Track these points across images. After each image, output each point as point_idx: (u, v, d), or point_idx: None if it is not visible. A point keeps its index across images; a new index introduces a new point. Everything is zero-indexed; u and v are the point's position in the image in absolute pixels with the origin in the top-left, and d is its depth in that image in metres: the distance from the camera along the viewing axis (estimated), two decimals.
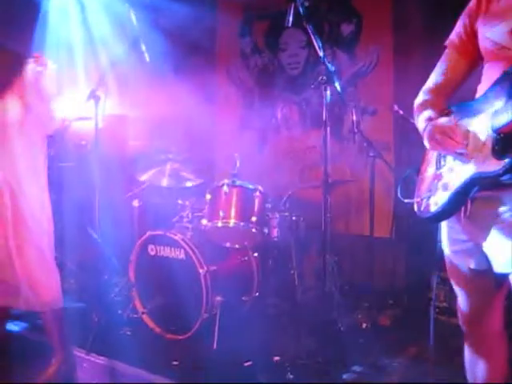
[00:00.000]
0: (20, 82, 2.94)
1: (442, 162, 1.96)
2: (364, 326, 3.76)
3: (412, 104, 2.17)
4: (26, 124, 2.93)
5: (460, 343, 2.21)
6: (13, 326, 3.64)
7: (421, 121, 2.03)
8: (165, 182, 3.87)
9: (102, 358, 3.30)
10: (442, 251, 2.10)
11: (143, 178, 3.92)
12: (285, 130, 4.66)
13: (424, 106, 2.09)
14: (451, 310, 3.55)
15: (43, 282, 2.99)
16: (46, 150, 3.12)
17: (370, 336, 3.61)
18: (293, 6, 3.20)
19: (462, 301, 2.12)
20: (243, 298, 3.70)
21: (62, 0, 4.55)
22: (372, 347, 3.41)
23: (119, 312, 3.83)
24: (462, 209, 1.88)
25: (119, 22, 4.21)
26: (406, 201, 2.11)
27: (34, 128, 2.97)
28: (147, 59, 3.56)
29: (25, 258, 2.93)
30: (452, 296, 3.44)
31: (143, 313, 3.68)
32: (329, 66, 3.18)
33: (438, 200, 1.93)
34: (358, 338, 3.55)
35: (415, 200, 2.06)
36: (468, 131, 1.82)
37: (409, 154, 4.27)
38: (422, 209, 2.01)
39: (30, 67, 2.97)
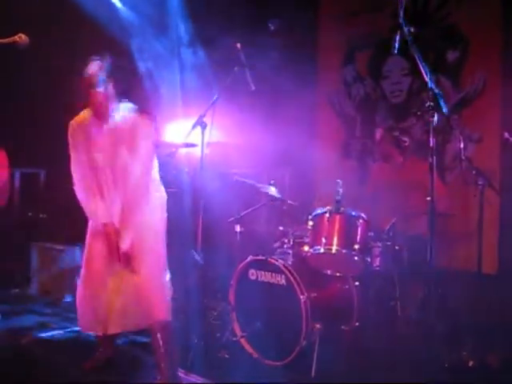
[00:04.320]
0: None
1: None
2: (470, 363, 3.55)
3: None
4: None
5: None
6: (120, 342, 3.82)
7: None
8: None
9: (200, 378, 3.35)
10: None
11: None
12: (386, 160, 4.58)
13: None
14: None
15: (154, 297, 3.16)
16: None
17: (478, 376, 3.41)
18: (399, 33, 3.19)
19: None
20: (343, 327, 3.63)
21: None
22: None
23: (218, 335, 3.88)
24: None
25: (224, 54, 4.38)
26: None
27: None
28: (252, 88, 3.67)
29: (139, 277, 3.12)
30: None
31: (242, 336, 3.70)
32: (436, 91, 3.12)
33: None
34: (465, 376, 3.36)
35: None
36: None
37: None
38: None
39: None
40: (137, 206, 3.13)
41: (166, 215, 3.36)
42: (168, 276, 3.31)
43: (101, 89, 3.10)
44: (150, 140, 3.21)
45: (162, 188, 3.39)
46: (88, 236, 3.33)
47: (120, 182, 3.16)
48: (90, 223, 3.31)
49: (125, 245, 3.10)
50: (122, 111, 3.21)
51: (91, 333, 3.46)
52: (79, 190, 3.26)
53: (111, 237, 3.13)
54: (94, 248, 3.27)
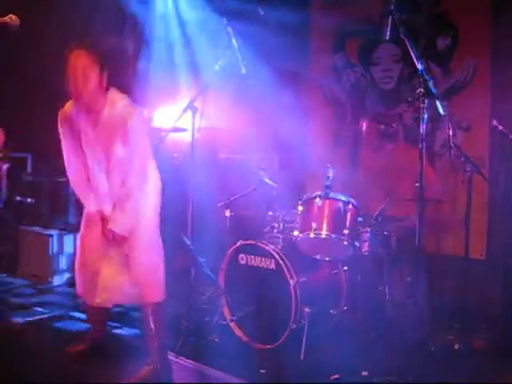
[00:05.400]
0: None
1: None
2: (456, 347, 3.61)
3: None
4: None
5: None
6: (114, 329, 3.85)
7: None
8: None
9: (190, 361, 3.39)
10: None
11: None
12: (376, 150, 4.58)
13: None
14: None
15: (148, 278, 3.15)
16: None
17: (463, 358, 3.47)
18: (390, 19, 3.20)
19: None
20: (331, 311, 3.67)
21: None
22: (465, 370, 3.28)
23: (207, 319, 3.90)
24: None
25: (216, 37, 4.36)
26: None
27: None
28: (243, 71, 3.67)
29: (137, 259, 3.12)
30: None
31: (231, 320, 3.73)
32: (426, 77, 3.13)
33: None
34: (451, 360, 3.42)
35: None
36: None
37: (507, 170, 4.12)
38: None
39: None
40: (133, 195, 3.02)
41: (160, 202, 3.27)
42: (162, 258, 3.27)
43: (90, 83, 2.94)
44: (145, 131, 3.10)
45: (158, 175, 3.27)
46: (82, 222, 3.29)
47: (115, 174, 3.06)
48: (85, 210, 3.27)
49: (118, 228, 3.04)
50: (113, 102, 3.02)
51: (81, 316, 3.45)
52: (70, 178, 3.24)
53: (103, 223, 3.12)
54: (87, 235, 3.24)
